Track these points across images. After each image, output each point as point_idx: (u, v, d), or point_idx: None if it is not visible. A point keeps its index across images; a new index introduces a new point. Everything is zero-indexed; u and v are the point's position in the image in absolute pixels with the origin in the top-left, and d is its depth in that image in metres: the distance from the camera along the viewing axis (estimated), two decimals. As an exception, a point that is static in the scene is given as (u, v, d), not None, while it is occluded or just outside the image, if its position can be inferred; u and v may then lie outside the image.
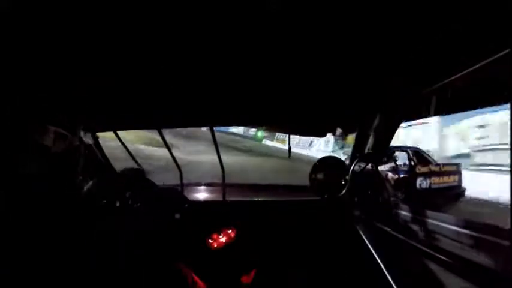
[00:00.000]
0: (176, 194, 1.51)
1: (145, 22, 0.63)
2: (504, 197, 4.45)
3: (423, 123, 9.86)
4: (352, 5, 0.57)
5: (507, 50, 0.62)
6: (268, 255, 1.51)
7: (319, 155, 1.61)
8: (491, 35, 0.63)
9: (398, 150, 4.66)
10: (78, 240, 0.55)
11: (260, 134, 17.57)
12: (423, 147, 6.78)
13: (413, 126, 10.16)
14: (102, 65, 0.85)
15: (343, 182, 1.44)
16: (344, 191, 1.43)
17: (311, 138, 12.63)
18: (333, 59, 0.84)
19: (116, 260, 0.58)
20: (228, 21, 0.63)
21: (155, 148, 7.88)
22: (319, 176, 1.48)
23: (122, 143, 1.58)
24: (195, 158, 8.04)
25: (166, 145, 1.58)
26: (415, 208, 1.23)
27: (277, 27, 0.65)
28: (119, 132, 1.52)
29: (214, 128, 1.51)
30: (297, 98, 1.21)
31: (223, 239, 1.51)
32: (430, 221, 1.12)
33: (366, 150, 1.45)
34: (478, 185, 5.58)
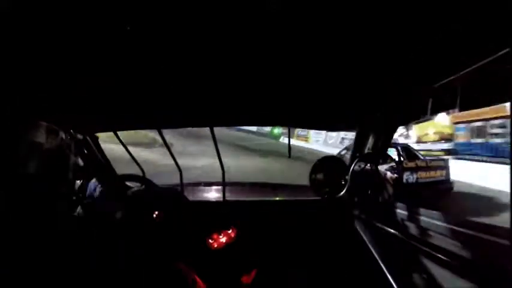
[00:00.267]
0: (176, 194, 1.51)
1: (145, 22, 0.63)
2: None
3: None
4: (353, 4, 0.57)
5: (507, 49, 0.62)
6: (269, 255, 1.51)
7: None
8: (491, 34, 0.63)
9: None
10: (78, 240, 0.55)
11: (277, 130, 14.79)
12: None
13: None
14: (102, 65, 0.85)
15: (343, 182, 1.44)
16: (344, 191, 1.44)
17: (342, 133, 11.28)
18: (332, 59, 0.84)
19: (115, 260, 0.58)
20: (228, 21, 0.63)
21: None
22: (319, 176, 1.48)
23: (122, 143, 1.58)
24: (188, 162, 6.31)
25: (166, 145, 1.58)
26: (415, 208, 1.23)
27: (277, 27, 0.65)
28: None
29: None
30: (297, 97, 1.21)
31: (223, 239, 1.51)
32: (430, 220, 1.12)
33: (366, 150, 1.45)
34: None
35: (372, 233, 1.33)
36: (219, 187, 1.63)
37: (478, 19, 0.59)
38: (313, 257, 1.49)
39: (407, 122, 1.49)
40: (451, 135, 9.74)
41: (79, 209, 1.19)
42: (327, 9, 0.58)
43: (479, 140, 8.88)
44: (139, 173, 1.59)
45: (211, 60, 0.85)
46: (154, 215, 1.25)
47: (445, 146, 9.68)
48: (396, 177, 1.37)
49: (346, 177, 1.41)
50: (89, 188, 1.35)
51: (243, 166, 7.14)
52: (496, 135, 8.22)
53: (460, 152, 9.24)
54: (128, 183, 1.55)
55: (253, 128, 15.54)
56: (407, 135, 9.81)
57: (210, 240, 1.51)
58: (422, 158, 5.44)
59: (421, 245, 1.02)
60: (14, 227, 0.48)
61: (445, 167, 5.25)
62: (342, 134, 11.63)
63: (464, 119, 9.03)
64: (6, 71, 0.73)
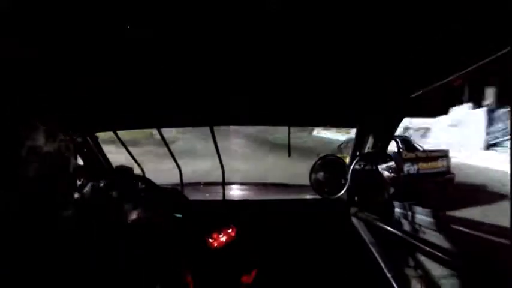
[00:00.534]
0: (176, 194, 1.51)
1: (144, 22, 0.63)
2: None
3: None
4: (353, 5, 0.57)
5: (507, 49, 0.62)
6: (269, 255, 1.51)
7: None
8: (491, 34, 0.63)
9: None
10: (78, 240, 0.55)
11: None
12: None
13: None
14: (101, 65, 0.85)
15: (343, 182, 1.44)
16: (344, 190, 1.44)
17: (426, 124, 10.03)
18: (332, 58, 0.84)
19: (116, 260, 0.58)
20: (228, 21, 0.63)
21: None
22: (319, 175, 1.48)
23: (122, 143, 1.58)
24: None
25: (166, 144, 1.58)
26: (415, 207, 1.23)
27: (278, 27, 0.65)
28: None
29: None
30: (297, 97, 1.21)
31: (223, 239, 1.51)
32: (430, 219, 1.12)
33: (366, 150, 1.45)
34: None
35: (371, 233, 1.33)
36: (219, 187, 1.63)
37: (478, 19, 0.59)
38: (313, 256, 1.50)
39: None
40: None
41: (79, 209, 1.20)
42: (328, 8, 0.58)
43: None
44: (140, 173, 1.60)
45: (211, 59, 0.85)
46: (154, 215, 1.25)
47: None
48: (394, 176, 1.37)
49: (346, 176, 1.41)
50: (88, 188, 1.35)
51: (271, 170, 6.09)
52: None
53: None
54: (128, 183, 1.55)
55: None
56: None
57: (210, 240, 1.51)
58: (421, 149, 5.37)
59: (421, 245, 1.02)
60: (14, 227, 0.48)
61: (446, 157, 5.16)
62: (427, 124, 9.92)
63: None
64: (6, 71, 0.73)
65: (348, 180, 1.40)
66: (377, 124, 1.40)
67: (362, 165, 1.40)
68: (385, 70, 0.92)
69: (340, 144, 6.27)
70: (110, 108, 1.24)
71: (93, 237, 0.56)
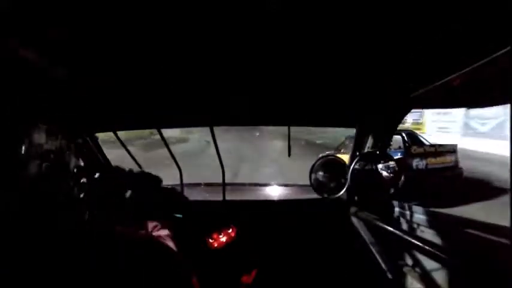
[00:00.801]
0: (176, 194, 1.51)
1: (145, 22, 0.63)
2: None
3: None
4: (353, 5, 0.57)
5: (507, 49, 0.62)
6: (269, 255, 1.51)
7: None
8: (491, 34, 0.63)
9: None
10: (78, 240, 0.55)
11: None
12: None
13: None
14: (101, 65, 0.85)
15: (343, 182, 1.44)
16: (344, 190, 1.44)
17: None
18: (332, 59, 0.84)
19: (116, 260, 0.58)
20: (228, 21, 0.63)
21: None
22: (319, 175, 1.48)
23: (122, 144, 1.58)
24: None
25: (166, 145, 1.58)
26: (415, 207, 1.23)
27: (278, 27, 0.65)
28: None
29: None
30: (297, 97, 1.21)
31: (223, 239, 1.51)
32: (430, 219, 1.12)
33: (366, 150, 1.45)
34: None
35: (371, 233, 1.33)
36: (219, 187, 1.63)
37: (478, 19, 0.59)
38: (313, 256, 1.50)
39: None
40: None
41: (79, 209, 1.19)
42: (328, 9, 0.58)
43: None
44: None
45: (211, 59, 0.85)
46: (154, 215, 1.25)
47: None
48: (395, 176, 1.37)
49: (346, 176, 1.41)
50: (88, 188, 1.35)
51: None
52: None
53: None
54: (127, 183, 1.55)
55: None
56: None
57: (210, 240, 1.51)
58: (428, 143, 5.28)
59: (421, 244, 1.02)
60: (14, 227, 0.48)
61: (454, 152, 5.08)
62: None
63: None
64: (6, 71, 0.73)
65: (348, 180, 1.40)
66: (377, 124, 1.40)
67: (362, 165, 1.40)
68: (385, 70, 0.92)
69: (341, 144, 6.19)
70: (110, 108, 1.24)
71: (94, 237, 0.56)
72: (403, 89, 1.09)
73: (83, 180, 1.26)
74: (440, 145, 5.18)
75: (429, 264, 1.03)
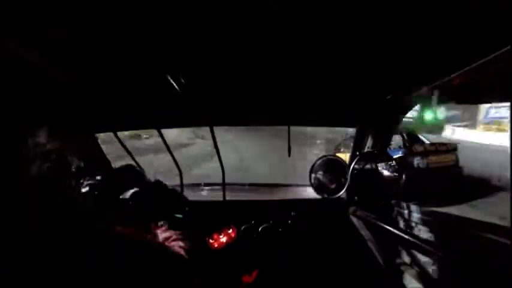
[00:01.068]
0: (176, 194, 1.51)
1: (145, 22, 0.63)
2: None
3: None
4: (353, 5, 0.57)
5: (507, 48, 0.62)
6: (269, 255, 1.51)
7: None
8: (491, 33, 0.63)
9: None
10: (78, 240, 0.55)
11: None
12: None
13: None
14: (101, 65, 0.85)
15: (343, 182, 1.44)
16: (344, 190, 1.44)
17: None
18: (333, 59, 0.84)
19: (116, 260, 0.58)
20: (228, 21, 0.63)
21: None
22: (319, 175, 1.48)
23: (122, 144, 1.58)
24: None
25: (166, 145, 1.58)
26: (415, 207, 1.23)
27: (277, 27, 0.65)
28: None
29: None
30: (298, 97, 1.21)
31: (223, 239, 1.51)
32: (430, 219, 1.12)
33: (366, 149, 1.45)
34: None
35: (371, 232, 1.33)
36: (219, 187, 1.63)
37: (478, 19, 0.59)
38: (313, 256, 1.49)
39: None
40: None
41: (79, 209, 1.19)
42: (328, 9, 0.58)
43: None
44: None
45: (211, 60, 0.85)
46: (154, 215, 1.25)
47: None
48: (395, 175, 1.37)
49: (346, 176, 1.41)
50: (88, 188, 1.35)
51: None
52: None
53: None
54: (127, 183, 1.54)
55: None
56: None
57: (211, 240, 1.51)
58: (428, 142, 5.23)
59: (420, 243, 1.02)
60: (14, 227, 0.48)
61: (454, 151, 5.05)
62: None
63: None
64: (6, 71, 0.73)
65: (348, 180, 1.40)
66: (377, 124, 1.40)
67: (362, 165, 1.40)
68: (386, 70, 0.92)
69: (338, 144, 6.15)
70: (110, 108, 1.24)
71: (94, 237, 0.56)
72: (403, 89, 1.09)
73: (83, 180, 1.26)
74: (440, 144, 5.14)
75: (429, 264, 1.03)
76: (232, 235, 1.52)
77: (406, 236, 1.08)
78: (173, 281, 0.71)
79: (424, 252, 1.05)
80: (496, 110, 8.78)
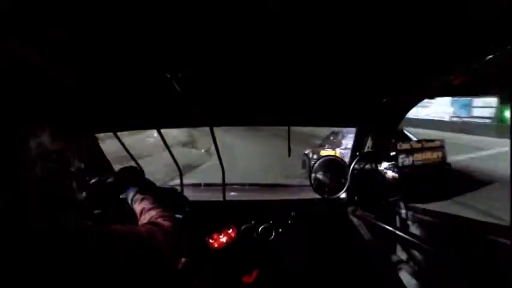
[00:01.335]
0: (176, 194, 1.51)
1: (145, 22, 0.63)
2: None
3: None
4: (353, 5, 0.57)
5: (507, 48, 0.62)
6: (269, 255, 1.51)
7: None
8: (491, 33, 0.63)
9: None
10: (78, 240, 0.55)
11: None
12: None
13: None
14: (101, 65, 0.85)
15: (343, 182, 1.44)
16: (344, 190, 1.44)
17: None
18: (332, 59, 0.84)
19: (116, 260, 0.58)
20: (228, 21, 0.63)
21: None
22: (319, 175, 1.48)
23: (122, 144, 1.58)
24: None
25: (166, 145, 1.58)
26: (415, 206, 1.23)
27: (277, 27, 0.65)
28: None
29: None
30: (298, 96, 1.21)
31: (223, 239, 1.51)
32: (430, 219, 1.12)
33: (366, 149, 1.45)
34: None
35: (372, 233, 1.33)
36: (219, 187, 1.63)
37: (478, 19, 0.59)
38: (313, 256, 1.50)
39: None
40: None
41: (79, 209, 1.19)
42: (328, 9, 0.58)
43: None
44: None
45: (211, 60, 0.85)
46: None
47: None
48: (395, 175, 1.37)
49: (346, 176, 1.41)
50: (88, 188, 1.35)
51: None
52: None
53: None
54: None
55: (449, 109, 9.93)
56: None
57: (211, 240, 1.51)
58: (415, 139, 5.32)
59: (421, 243, 1.02)
60: (14, 227, 0.48)
61: (442, 148, 5.12)
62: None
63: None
64: (6, 71, 0.73)
65: (348, 180, 1.40)
66: (377, 124, 1.40)
67: (362, 165, 1.40)
68: (385, 70, 0.92)
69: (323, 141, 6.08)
70: (110, 108, 1.24)
71: (93, 237, 0.56)
72: (403, 89, 1.09)
73: (83, 180, 1.26)
74: (427, 140, 5.18)
75: (429, 263, 1.03)
76: (232, 235, 1.52)
77: (406, 236, 1.08)
78: (173, 281, 0.71)
79: (424, 252, 1.05)
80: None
